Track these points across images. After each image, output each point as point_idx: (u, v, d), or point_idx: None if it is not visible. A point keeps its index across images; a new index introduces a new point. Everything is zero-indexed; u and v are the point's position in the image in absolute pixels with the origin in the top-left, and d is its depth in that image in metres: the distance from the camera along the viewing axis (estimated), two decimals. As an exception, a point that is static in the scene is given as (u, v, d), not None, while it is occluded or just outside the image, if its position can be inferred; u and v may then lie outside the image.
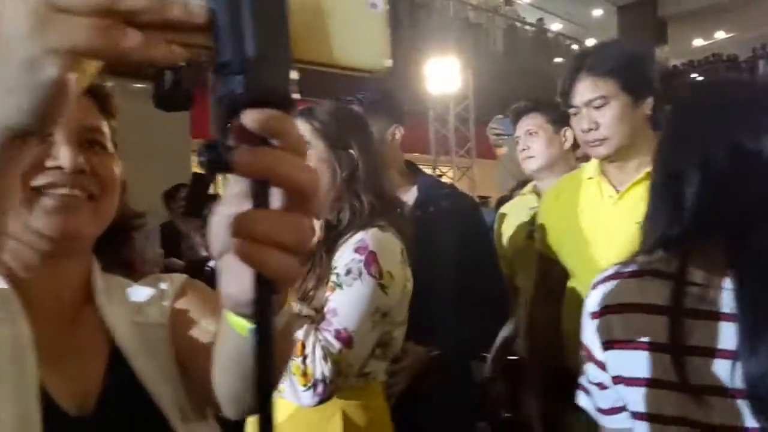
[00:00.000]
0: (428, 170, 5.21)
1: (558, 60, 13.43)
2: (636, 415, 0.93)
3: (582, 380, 1.06)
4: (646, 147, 1.57)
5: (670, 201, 0.95)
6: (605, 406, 1.00)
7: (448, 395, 1.70)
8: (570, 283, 1.75)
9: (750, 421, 0.84)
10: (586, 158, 1.85)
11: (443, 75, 8.55)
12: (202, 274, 2.19)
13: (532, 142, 2.23)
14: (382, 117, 1.82)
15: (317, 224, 1.03)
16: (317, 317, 1.24)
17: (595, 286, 1.02)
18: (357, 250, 1.25)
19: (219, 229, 0.44)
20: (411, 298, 1.36)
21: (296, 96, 1.78)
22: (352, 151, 1.33)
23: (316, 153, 1.32)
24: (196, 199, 2.83)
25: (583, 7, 17.06)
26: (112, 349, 0.79)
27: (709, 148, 0.92)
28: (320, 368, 1.17)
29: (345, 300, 1.22)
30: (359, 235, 1.27)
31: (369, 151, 1.36)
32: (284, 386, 1.21)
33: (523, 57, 13.07)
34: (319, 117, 1.35)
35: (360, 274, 1.22)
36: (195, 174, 3.04)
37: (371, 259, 1.23)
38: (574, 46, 14.25)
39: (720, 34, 16.65)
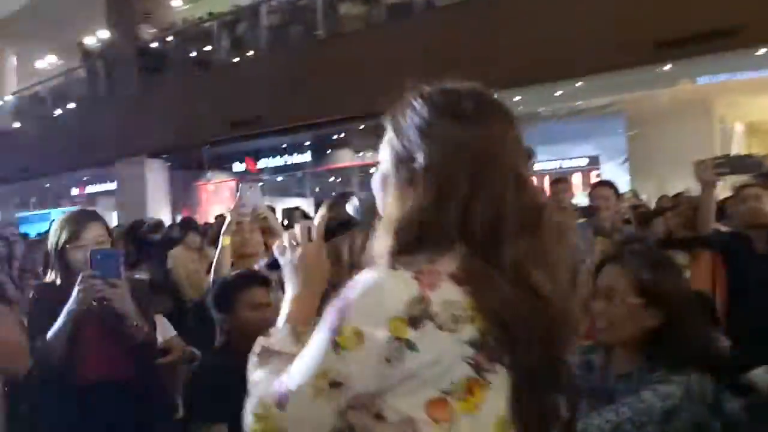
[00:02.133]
0: None
1: None
2: None
3: None
4: None
5: None
6: None
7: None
8: None
9: None
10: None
11: None
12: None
13: None
14: None
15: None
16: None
17: None
18: (344, 292, 0.94)
19: None
20: None
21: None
22: (415, 164, 0.97)
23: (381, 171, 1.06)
24: None
25: None
26: None
27: None
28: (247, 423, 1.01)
29: (303, 352, 0.97)
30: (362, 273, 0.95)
31: (439, 167, 0.96)
32: None
33: None
34: (394, 124, 1.04)
35: (323, 323, 0.94)
36: None
37: (340, 307, 0.92)
38: None
39: None
